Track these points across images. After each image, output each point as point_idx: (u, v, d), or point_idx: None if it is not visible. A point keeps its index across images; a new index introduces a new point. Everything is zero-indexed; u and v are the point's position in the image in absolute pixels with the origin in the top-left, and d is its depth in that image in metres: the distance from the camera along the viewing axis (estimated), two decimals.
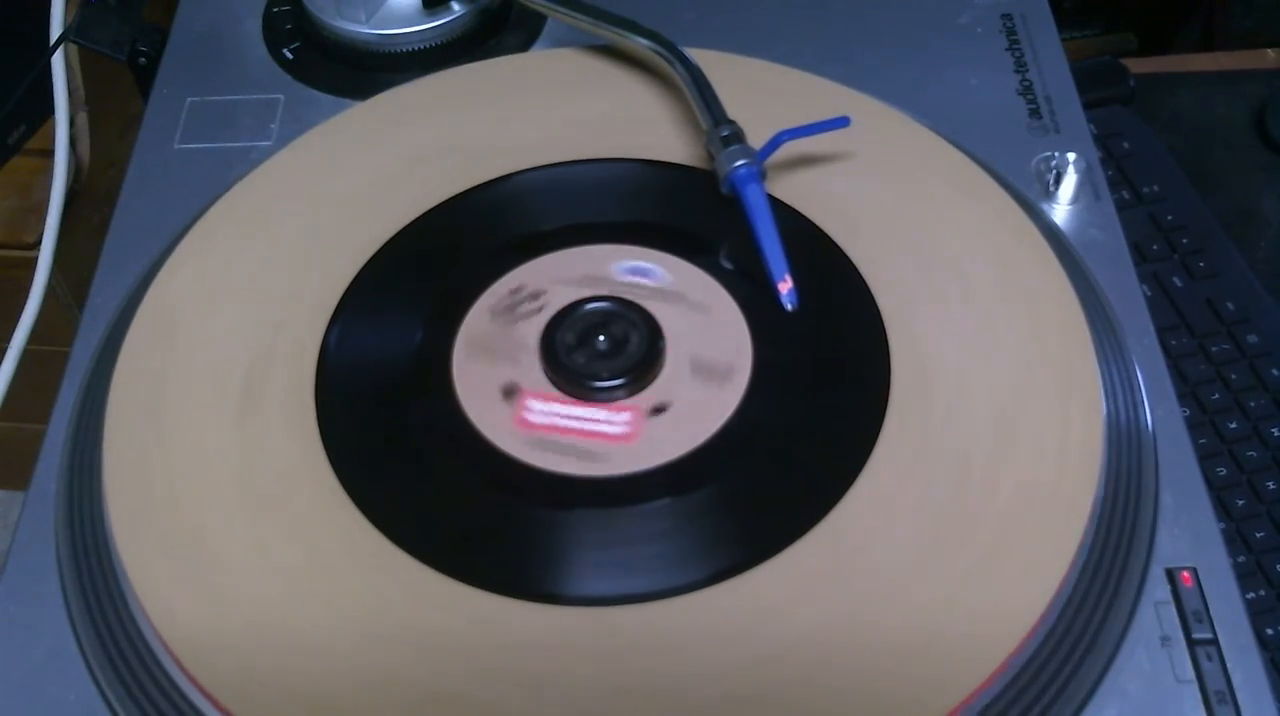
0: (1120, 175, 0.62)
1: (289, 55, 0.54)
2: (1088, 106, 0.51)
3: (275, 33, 0.55)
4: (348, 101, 0.52)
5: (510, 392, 0.41)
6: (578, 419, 0.40)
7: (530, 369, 0.41)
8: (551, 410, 0.40)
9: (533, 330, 0.42)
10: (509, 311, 0.41)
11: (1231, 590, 0.37)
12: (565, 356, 0.41)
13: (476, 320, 0.43)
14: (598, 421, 0.40)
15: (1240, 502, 0.52)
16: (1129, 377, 0.41)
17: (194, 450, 0.40)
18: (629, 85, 0.50)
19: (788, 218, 0.44)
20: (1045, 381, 0.40)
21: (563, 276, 0.44)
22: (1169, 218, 0.60)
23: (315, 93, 0.53)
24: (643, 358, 0.41)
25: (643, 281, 0.40)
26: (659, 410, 0.40)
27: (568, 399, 0.40)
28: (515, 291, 0.41)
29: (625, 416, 0.40)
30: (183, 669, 0.35)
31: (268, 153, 0.49)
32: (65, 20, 0.57)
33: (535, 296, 0.41)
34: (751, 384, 0.41)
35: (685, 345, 0.42)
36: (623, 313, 0.42)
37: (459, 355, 0.42)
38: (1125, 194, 0.61)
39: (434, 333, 0.42)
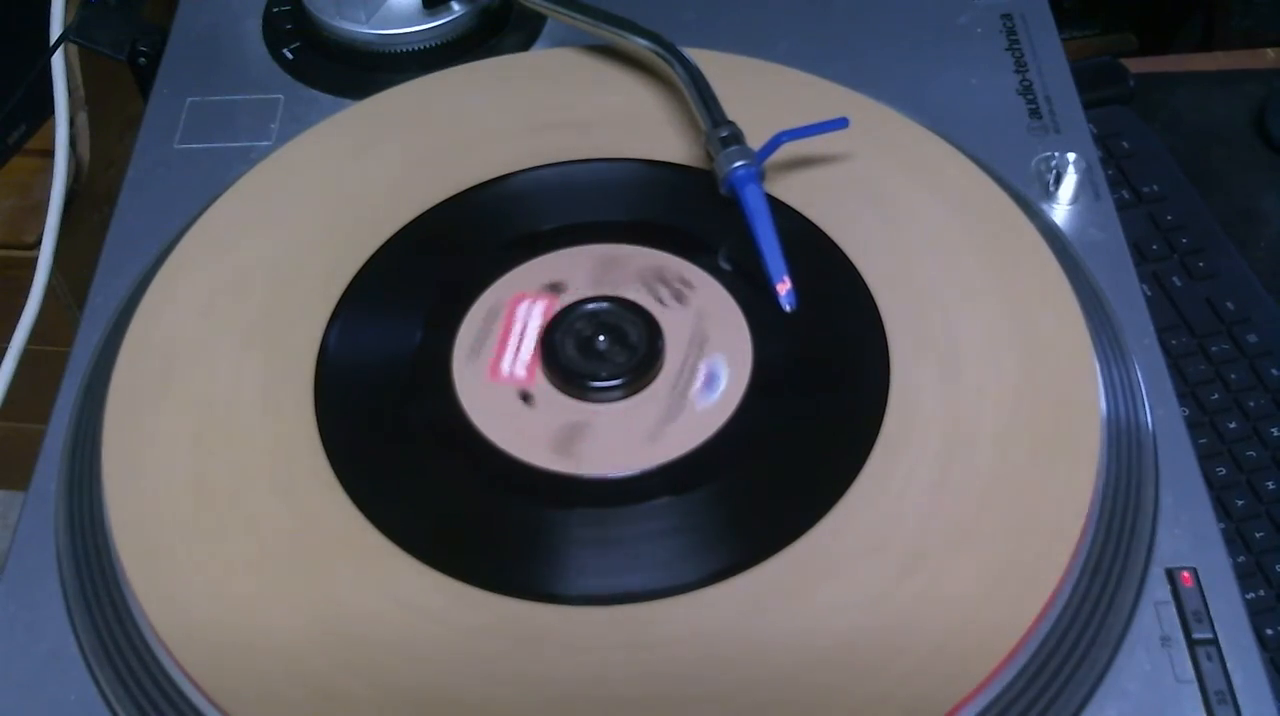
0: (1120, 175, 0.62)
1: (289, 55, 0.54)
2: (1088, 106, 0.51)
3: (275, 33, 0.55)
4: (348, 101, 0.52)
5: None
6: None
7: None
8: None
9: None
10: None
11: (1231, 590, 0.37)
12: (565, 356, 0.41)
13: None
14: None
15: (1240, 502, 0.52)
16: (1129, 377, 0.41)
17: (194, 450, 0.40)
18: (628, 85, 0.50)
19: (787, 218, 0.44)
20: (1045, 381, 0.40)
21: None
22: (1169, 217, 0.60)
23: (315, 93, 0.53)
24: (643, 357, 0.41)
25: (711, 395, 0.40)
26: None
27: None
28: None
29: None
30: (182, 669, 0.35)
31: (268, 153, 0.49)
32: (65, 20, 0.57)
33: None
34: (751, 384, 0.41)
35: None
36: (623, 313, 0.42)
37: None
38: (1125, 194, 0.61)
39: (434, 332, 0.42)
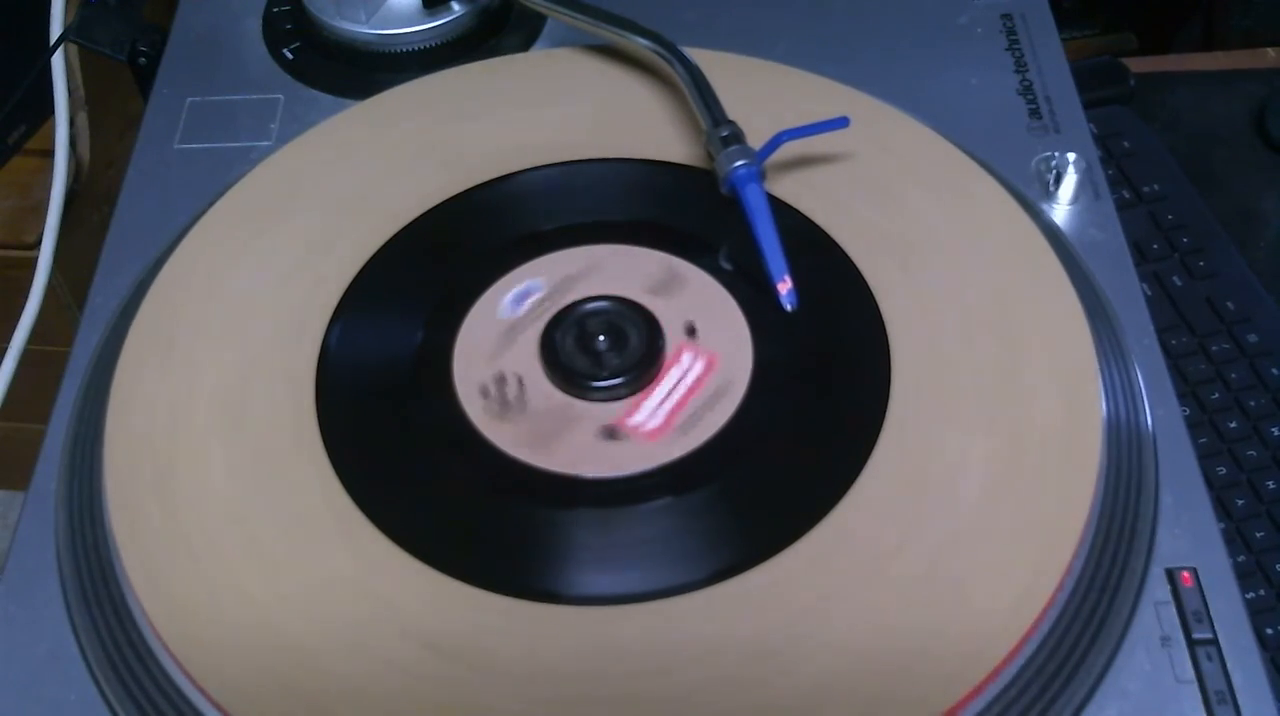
0: (1120, 175, 0.62)
1: (289, 55, 0.54)
2: (1088, 106, 0.51)
3: (275, 33, 0.55)
4: (348, 101, 0.52)
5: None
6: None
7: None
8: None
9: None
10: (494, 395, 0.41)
11: (1231, 590, 0.37)
12: (564, 356, 0.41)
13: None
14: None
15: (1240, 502, 0.52)
16: (1129, 377, 0.41)
17: (194, 450, 0.40)
18: (629, 85, 0.50)
19: (788, 217, 0.44)
20: (1045, 381, 0.40)
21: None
22: (1169, 217, 0.60)
23: (315, 93, 0.53)
24: (643, 357, 0.41)
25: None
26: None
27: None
28: (498, 381, 0.41)
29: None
30: (182, 669, 0.35)
31: (268, 153, 0.49)
32: (65, 20, 0.57)
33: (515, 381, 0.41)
34: (751, 384, 0.41)
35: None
36: (622, 312, 0.42)
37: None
38: (1125, 193, 0.61)
39: (434, 332, 0.42)
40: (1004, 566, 0.36)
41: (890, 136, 0.47)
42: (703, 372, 0.41)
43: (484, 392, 0.40)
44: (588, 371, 0.41)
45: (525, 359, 0.41)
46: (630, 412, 0.40)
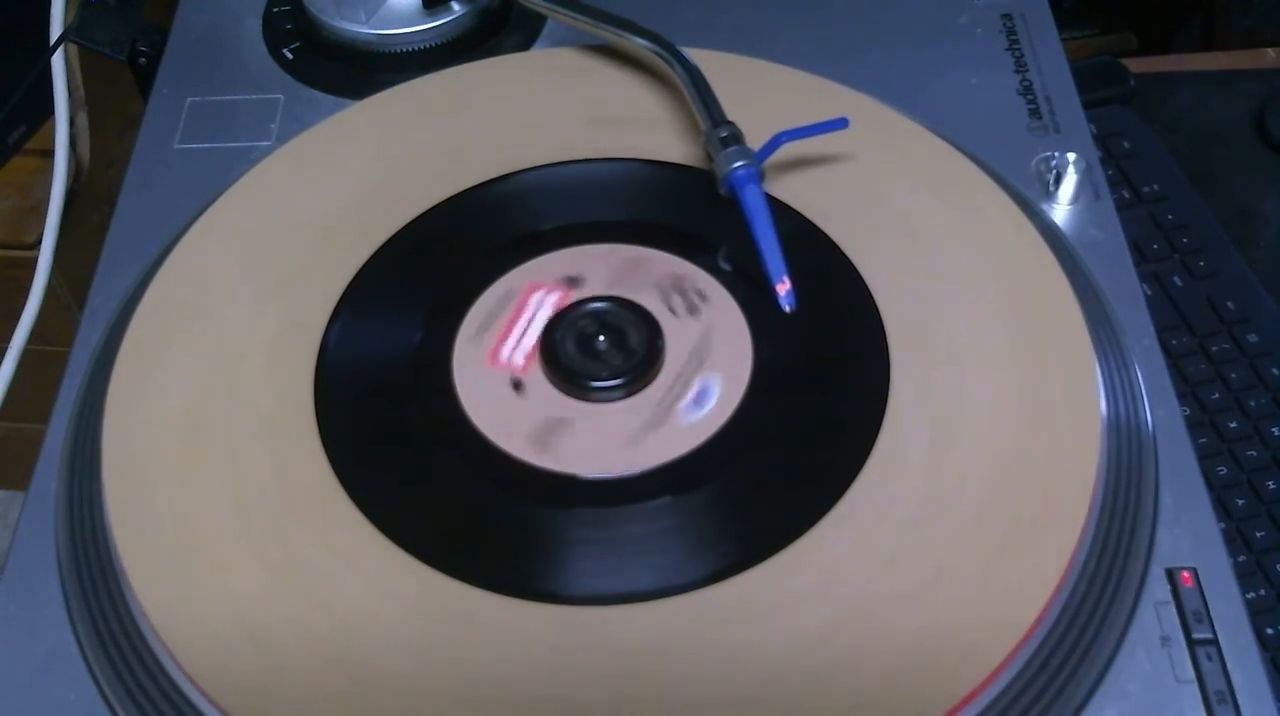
0: (1120, 175, 0.62)
1: (289, 55, 0.54)
2: (1088, 106, 0.51)
3: (275, 33, 0.55)
4: (348, 101, 0.52)
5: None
6: None
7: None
8: None
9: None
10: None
11: (1231, 590, 0.37)
12: (565, 356, 0.41)
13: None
14: None
15: (1240, 502, 0.52)
16: (1129, 377, 0.41)
17: (194, 450, 0.40)
18: (629, 85, 0.50)
19: (787, 218, 0.44)
20: (1045, 381, 0.40)
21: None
22: (1169, 217, 0.60)
23: (315, 93, 0.53)
24: (643, 357, 0.41)
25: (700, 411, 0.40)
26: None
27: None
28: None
29: None
30: (182, 669, 0.35)
31: (268, 153, 0.49)
32: (65, 20, 0.57)
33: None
34: (751, 384, 0.41)
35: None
36: (623, 312, 0.42)
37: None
38: (1125, 194, 0.61)
39: (433, 332, 0.42)
40: (1004, 566, 0.36)
41: (889, 137, 0.47)
42: (558, 302, 0.41)
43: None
44: (588, 371, 0.41)
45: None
46: (495, 355, 0.41)
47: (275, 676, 0.35)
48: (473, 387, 0.41)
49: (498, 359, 0.41)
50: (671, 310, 0.43)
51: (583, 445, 0.39)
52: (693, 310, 0.43)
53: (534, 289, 0.43)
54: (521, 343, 0.42)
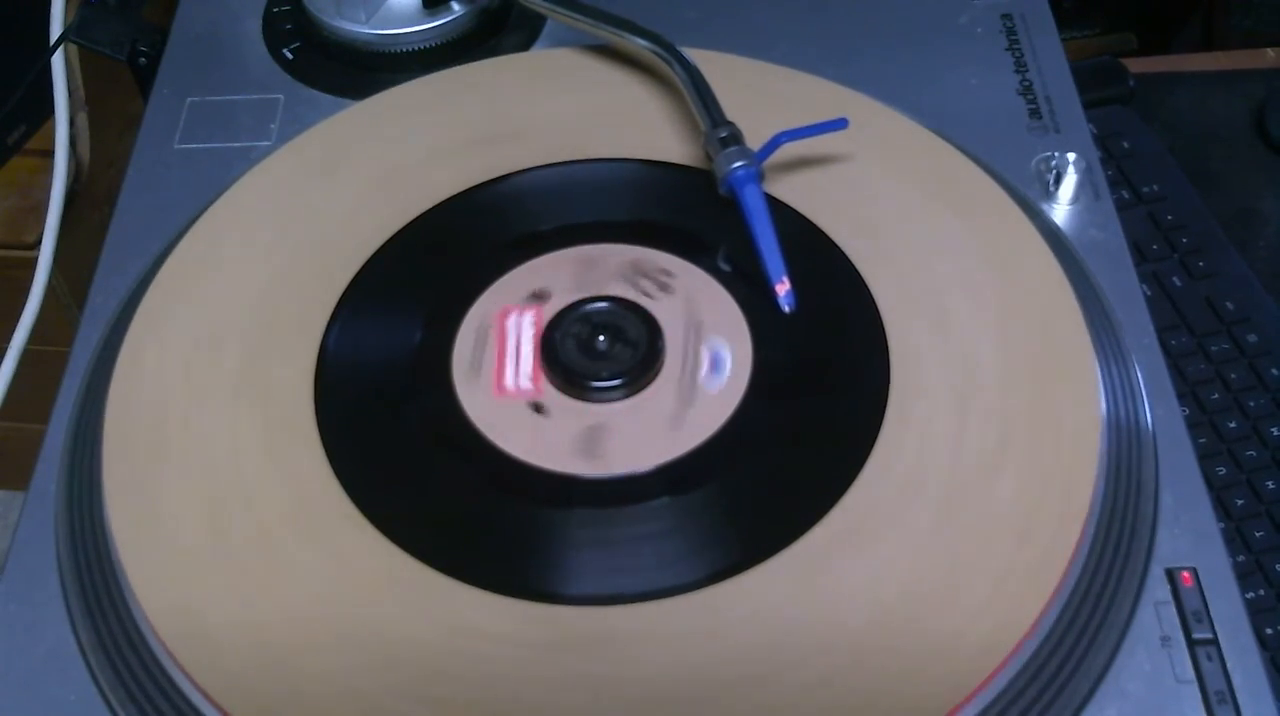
0: (1120, 175, 0.62)
1: (289, 55, 0.54)
2: (1088, 106, 0.51)
3: (275, 33, 0.55)
4: (348, 101, 0.52)
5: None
6: None
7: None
8: None
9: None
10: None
11: (1231, 590, 0.37)
12: (564, 356, 0.41)
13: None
14: None
15: (1240, 502, 0.52)
16: (1129, 377, 0.41)
17: (194, 450, 0.40)
18: (629, 85, 0.50)
19: (787, 218, 0.44)
20: (1045, 381, 0.40)
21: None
22: (1169, 217, 0.60)
23: (315, 93, 0.53)
24: (643, 357, 0.41)
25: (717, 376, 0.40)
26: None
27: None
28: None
29: None
30: (183, 669, 0.35)
31: (268, 153, 0.49)
32: (65, 20, 0.57)
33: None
34: (751, 384, 0.41)
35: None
36: (622, 313, 0.42)
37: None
38: (1125, 194, 0.61)
39: (434, 332, 0.42)
40: (1004, 566, 0.36)
41: (889, 137, 0.47)
42: (534, 320, 0.41)
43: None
44: (588, 371, 0.41)
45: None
46: (499, 385, 0.41)
47: (275, 676, 0.35)
48: (495, 420, 0.40)
49: (504, 388, 0.41)
50: (646, 293, 0.43)
51: (630, 443, 0.39)
52: (664, 288, 0.43)
53: (506, 313, 0.43)
54: (520, 367, 0.41)
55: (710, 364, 0.41)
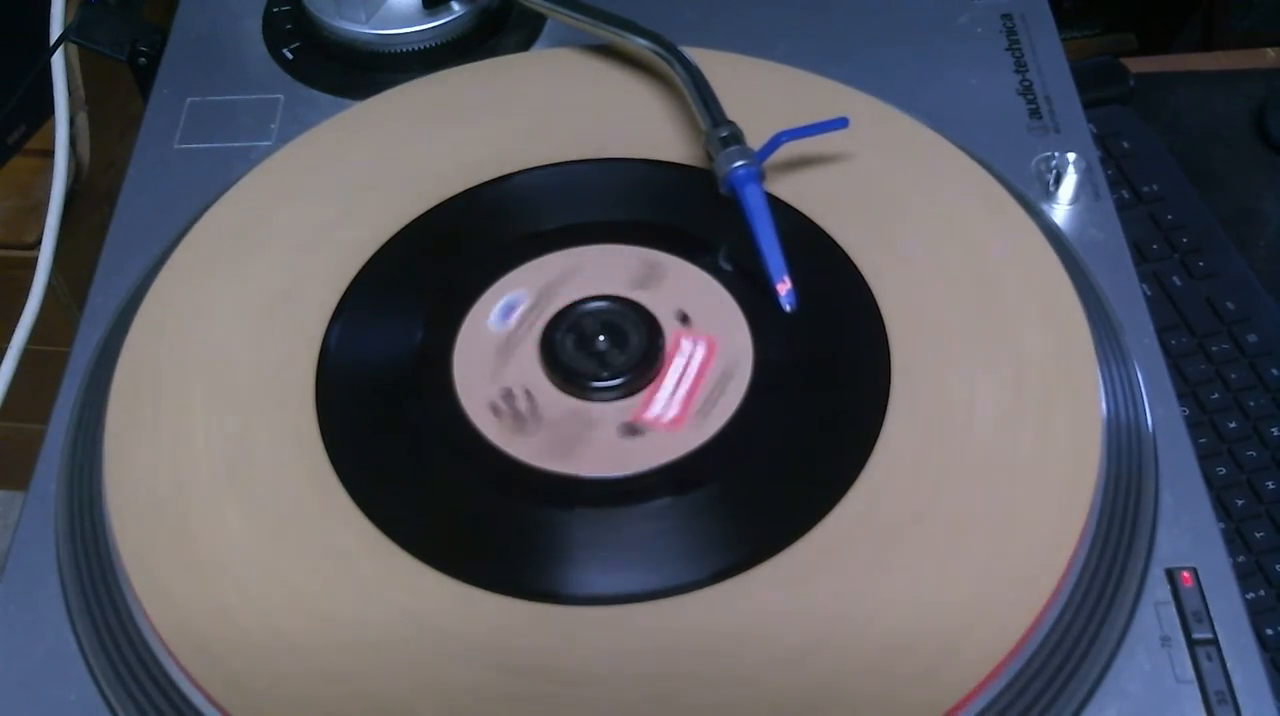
0: (1120, 175, 0.62)
1: (289, 55, 0.54)
2: (1088, 106, 0.51)
3: (275, 33, 0.55)
4: (348, 101, 0.52)
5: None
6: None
7: (530, 368, 0.41)
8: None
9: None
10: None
11: (1231, 590, 0.37)
12: (564, 356, 0.41)
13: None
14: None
15: (1240, 502, 0.52)
16: (1129, 377, 0.41)
17: (194, 450, 0.40)
18: (629, 85, 0.50)
19: (787, 218, 0.44)
20: (1045, 381, 0.40)
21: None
22: (1169, 217, 0.60)
23: (315, 93, 0.53)
24: (643, 357, 0.41)
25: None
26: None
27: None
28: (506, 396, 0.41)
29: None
30: (183, 669, 0.35)
31: (268, 153, 0.49)
32: (65, 20, 0.57)
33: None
34: (751, 384, 0.41)
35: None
36: (622, 312, 0.42)
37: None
38: (1125, 194, 0.61)
39: (434, 332, 0.42)
40: (1004, 566, 0.36)
41: (889, 137, 0.47)
42: (706, 356, 0.41)
43: (495, 411, 0.40)
44: (592, 372, 0.41)
45: (528, 369, 0.41)
46: (645, 407, 0.40)
47: (275, 676, 0.35)
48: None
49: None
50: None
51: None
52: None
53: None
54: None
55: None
